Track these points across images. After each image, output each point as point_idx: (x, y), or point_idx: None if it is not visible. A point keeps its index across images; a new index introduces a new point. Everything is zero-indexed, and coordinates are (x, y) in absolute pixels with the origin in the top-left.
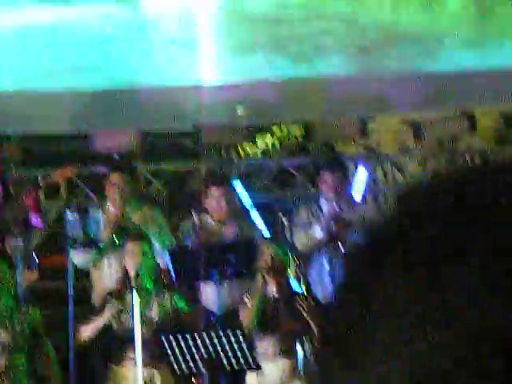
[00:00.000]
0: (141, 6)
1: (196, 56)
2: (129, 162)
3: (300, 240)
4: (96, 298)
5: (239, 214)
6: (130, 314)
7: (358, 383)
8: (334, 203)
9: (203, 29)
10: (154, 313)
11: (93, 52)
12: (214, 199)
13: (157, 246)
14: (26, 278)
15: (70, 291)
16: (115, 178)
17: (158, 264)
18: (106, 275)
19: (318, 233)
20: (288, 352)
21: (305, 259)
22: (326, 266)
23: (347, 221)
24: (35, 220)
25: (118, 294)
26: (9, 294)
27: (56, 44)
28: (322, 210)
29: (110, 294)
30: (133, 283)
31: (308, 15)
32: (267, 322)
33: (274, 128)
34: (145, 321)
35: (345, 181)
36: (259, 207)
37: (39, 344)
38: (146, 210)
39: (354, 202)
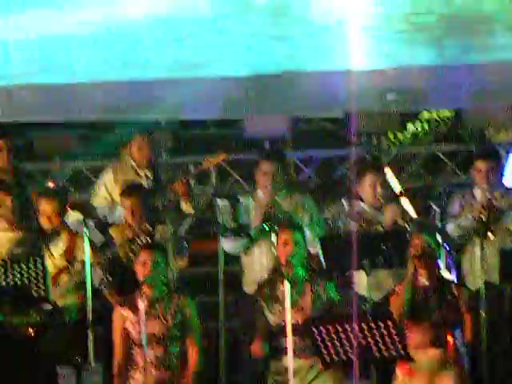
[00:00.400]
0: None
1: (346, 41)
2: (279, 150)
3: (451, 228)
4: (247, 284)
5: (391, 201)
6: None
7: None
8: (487, 192)
9: (353, 13)
10: (306, 301)
11: (244, 38)
12: (368, 186)
13: (308, 233)
14: (176, 265)
15: (221, 277)
16: (266, 165)
17: (310, 252)
18: (256, 263)
19: (470, 221)
20: (438, 342)
21: (456, 247)
22: (478, 255)
23: (499, 209)
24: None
25: (270, 282)
26: (161, 282)
27: (205, 31)
28: (475, 199)
29: (262, 283)
30: (284, 271)
31: None
32: (417, 311)
33: (425, 114)
34: (297, 310)
35: (497, 169)
36: (410, 194)
37: (191, 332)
38: (297, 198)
39: (507, 190)
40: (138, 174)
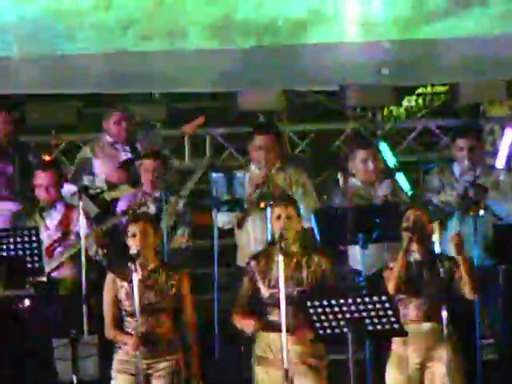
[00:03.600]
0: None
1: (342, 14)
2: (273, 123)
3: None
4: (241, 258)
5: (385, 175)
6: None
7: None
8: (471, 170)
9: None
10: (300, 275)
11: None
12: (360, 161)
13: (302, 207)
14: (180, 239)
15: (216, 251)
16: (259, 139)
17: (303, 226)
18: (250, 236)
19: (452, 197)
20: (432, 316)
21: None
22: (458, 230)
23: (483, 187)
24: None
25: (264, 255)
26: (154, 253)
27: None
28: (454, 175)
29: (254, 256)
30: (278, 245)
31: None
32: (411, 285)
33: (420, 88)
34: (291, 284)
35: (479, 147)
36: (403, 168)
37: (183, 305)
38: (291, 172)
39: (493, 167)
40: (115, 149)
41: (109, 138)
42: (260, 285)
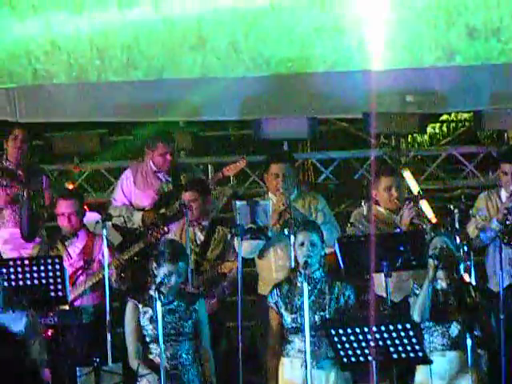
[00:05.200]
0: None
1: (366, 42)
2: (288, 151)
3: (472, 230)
4: (262, 287)
5: (409, 203)
6: (297, 302)
7: None
8: None
9: (373, 15)
10: (323, 301)
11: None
12: (383, 189)
13: (323, 234)
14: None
15: (239, 278)
16: (276, 168)
17: (326, 253)
18: (272, 265)
19: (493, 223)
20: (457, 344)
21: (477, 250)
22: (503, 257)
23: None
24: None
25: (288, 283)
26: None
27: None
28: (501, 201)
29: (277, 284)
30: (302, 272)
31: None
32: (437, 313)
33: (443, 116)
34: (314, 310)
35: None
36: (428, 196)
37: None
38: (310, 199)
39: None
40: (158, 178)
41: (152, 167)
42: (283, 311)
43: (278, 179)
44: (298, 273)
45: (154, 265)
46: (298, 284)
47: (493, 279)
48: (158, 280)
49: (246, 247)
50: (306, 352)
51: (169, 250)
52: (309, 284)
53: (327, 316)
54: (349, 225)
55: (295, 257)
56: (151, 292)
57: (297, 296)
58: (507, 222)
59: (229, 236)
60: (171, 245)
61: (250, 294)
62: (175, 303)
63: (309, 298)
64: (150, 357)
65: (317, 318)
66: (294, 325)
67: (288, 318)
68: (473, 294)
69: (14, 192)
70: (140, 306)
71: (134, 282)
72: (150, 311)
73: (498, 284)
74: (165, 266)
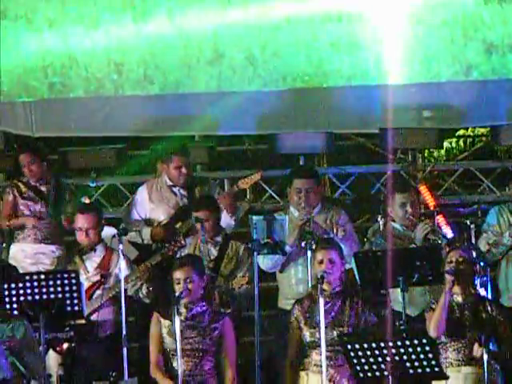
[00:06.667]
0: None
1: (383, 56)
2: (312, 167)
3: (483, 245)
4: (282, 301)
5: (424, 218)
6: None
7: None
8: None
9: (390, 30)
10: (343, 317)
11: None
12: (398, 206)
13: (344, 250)
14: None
15: (256, 293)
16: (299, 183)
17: (346, 269)
18: (292, 279)
19: (505, 238)
20: (473, 359)
21: (492, 264)
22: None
23: None
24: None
25: (308, 299)
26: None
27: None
28: None
29: (298, 300)
30: (319, 287)
31: None
32: (453, 328)
33: (461, 130)
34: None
35: None
36: (445, 211)
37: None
38: (333, 214)
39: None
40: (173, 193)
41: (168, 181)
42: (302, 325)
43: (300, 194)
44: (317, 288)
45: (171, 280)
46: (318, 300)
47: (505, 294)
48: (177, 294)
49: (267, 262)
50: (323, 367)
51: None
52: (330, 300)
53: (345, 332)
54: (365, 240)
55: (315, 274)
56: (174, 308)
57: (317, 311)
58: None
59: (241, 251)
60: (186, 255)
61: (265, 308)
62: (197, 319)
63: (329, 313)
64: (171, 368)
65: (335, 333)
66: (312, 339)
67: (307, 332)
68: (488, 309)
69: (36, 208)
70: (161, 318)
71: (157, 295)
72: (170, 324)
73: (510, 299)
74: (173, 273)
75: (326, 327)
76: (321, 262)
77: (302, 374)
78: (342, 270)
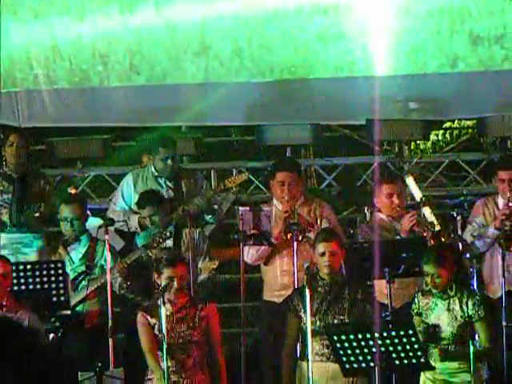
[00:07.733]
0: None
1: (369, 49)
2: (294, 159)
3: (468, 237)
4: (267, 293)
5: (411, 210)
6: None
7: None
8: (510, 202)
9: (377, 22)
10: (343, 306)
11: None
12: (385, 196)
13: None
14: (208, 267)
15: (242, 284)
16: (281, 176)
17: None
18: (277, 271)
19: (490, 231)
20: (459, 352)
21: (477, 256)
22: (500, 264)
23: None
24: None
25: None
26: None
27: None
28: (498, 207)
29: (297, 288)
30: (305, 279)
31: None
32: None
33: (447, 123)
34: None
35: None
36: (431, 202)
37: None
38: (316, 206)
39: None
40: (159, 184)
41: (154, 172)
42: (302, 314)
43: (283, 187)
44: (319, 278)
45: (156, 275)
46: (319, 289)
47: (489, 287)
48: (162, 287)
49: (252, 253)
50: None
51: (166, 256)
52: (329, 288)
53: (346, 320)
54: (351, 231)
55: (315, 263)
56: (158, 302)
57: (315, 300)
58: (505, 228)
59: (196, 235)
60: (168, 251)
61: (250, 300)
62: (183, 312)
63: (325, 300)
64: (162, 364)
65: (336, 322)
66: (312, 327)
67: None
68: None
69: (10, 197)
70: (149, 318)
71: (140, 290)
72: (157, 322)
73: (495, 291)
74: (164, 271)
75: (325, 314)
76: (322, 255)
77: (302, 363)
78: (341, 260)
